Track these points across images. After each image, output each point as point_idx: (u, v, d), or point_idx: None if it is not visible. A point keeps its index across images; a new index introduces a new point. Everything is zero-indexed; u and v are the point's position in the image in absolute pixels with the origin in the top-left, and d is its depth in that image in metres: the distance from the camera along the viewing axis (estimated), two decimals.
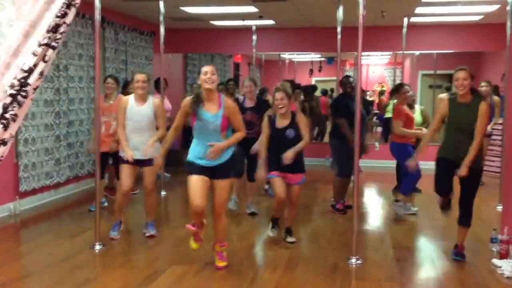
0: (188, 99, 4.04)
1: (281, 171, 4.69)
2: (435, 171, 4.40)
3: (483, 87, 6.98)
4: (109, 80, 6.03)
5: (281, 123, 4.72)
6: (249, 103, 5.72)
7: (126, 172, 4.84)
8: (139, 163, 4.81)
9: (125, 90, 6.43)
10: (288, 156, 4.55)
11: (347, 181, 6.13)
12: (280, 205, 4.81)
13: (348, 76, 6.31)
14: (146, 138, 4.75)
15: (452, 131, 4.29)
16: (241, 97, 5.88)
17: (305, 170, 4.84)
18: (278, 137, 4.69)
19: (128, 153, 4.72)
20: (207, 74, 3.91)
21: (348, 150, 5.77)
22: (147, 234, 5.01)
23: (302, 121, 4.74)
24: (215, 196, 4.06)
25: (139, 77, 4.82)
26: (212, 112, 3.93)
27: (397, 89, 6.15)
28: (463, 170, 4.14)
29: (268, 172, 4.73)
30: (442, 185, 4.38)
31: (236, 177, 4.10)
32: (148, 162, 4.79)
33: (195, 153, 4.01)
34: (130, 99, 4.85)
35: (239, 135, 4.06)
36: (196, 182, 3.93)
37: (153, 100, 4.88)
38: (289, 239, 4.91)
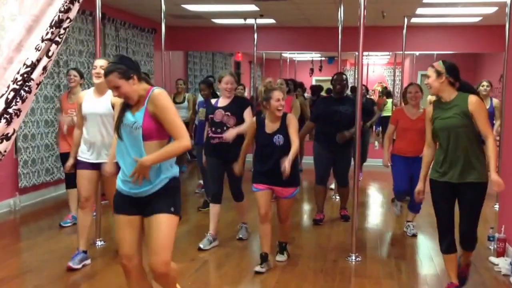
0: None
1: (269, 184, 4.03)
2: (433, 204, 3.53)
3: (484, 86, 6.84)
4: (72, 72, 5.17)
5: (271, 127, 4.00)
6: (222, 102, 4.61)
7: (80, 178, 3.99)
8: (99, 167, 3.91)
9: None
10: (286, 170, 3.74)
11: (322, 189, 5.62)
12: (264, 224, 4.07)
13: (340, 73, 5.65)
14: (102, 137, 3.93)
15: (441, 141, 3.45)
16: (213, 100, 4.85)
17: (299, 183, 4.15)
18: (265, 144, 4.01)
19: (67, 165, 4.08)
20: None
21: (325, 157, 5.41)
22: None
23: (292, 123, 3.97)
24: (149, 240, 2.72)
25: (97, 62, 3.94)
26: (133, 112, 2.72)
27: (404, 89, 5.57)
28: (496, 183, 3.24)
29: (253, 182, 4.08)
30: (446, 226, 3.49)
31: (178, 214, 2.75)
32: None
33: (121, 175, 2.80)
34: (88, 92, 4.06)
35: (176, 146, 2.66)
36: (122, 226, 2.78)
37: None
38: (278, 257, 4.26)
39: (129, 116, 2.71)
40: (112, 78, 2.64)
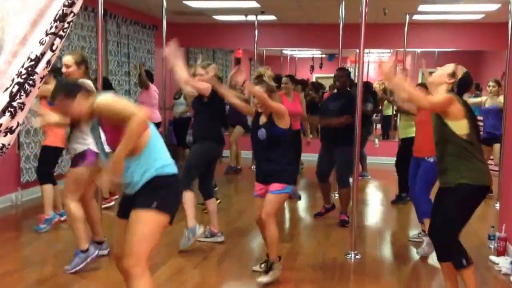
0: None
1: (261, 182, 3.80)
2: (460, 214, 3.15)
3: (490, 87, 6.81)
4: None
5: (262, 119, 3.78)
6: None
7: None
8: None
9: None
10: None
11: (322, 185, 5.58)
12: (261, 229, 3.85)
13: (341, 69, 5.55)
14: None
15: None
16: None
17: (287, 181, 3.68)
18: (254, 136, 3.79)
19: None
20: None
21: (323, 154, 5.44)
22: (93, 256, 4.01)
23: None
24: (126, 238, 2.57)
25: (63, 60, 3.93)
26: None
27: None
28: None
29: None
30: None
31: (163, 211, 2.53)
32: (72, 162, 3.89)
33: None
34: None
35: (130, 126, 2.40)
36: (117, 228, 2.75)
37: None
38: (261, 277, 3.71)
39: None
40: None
